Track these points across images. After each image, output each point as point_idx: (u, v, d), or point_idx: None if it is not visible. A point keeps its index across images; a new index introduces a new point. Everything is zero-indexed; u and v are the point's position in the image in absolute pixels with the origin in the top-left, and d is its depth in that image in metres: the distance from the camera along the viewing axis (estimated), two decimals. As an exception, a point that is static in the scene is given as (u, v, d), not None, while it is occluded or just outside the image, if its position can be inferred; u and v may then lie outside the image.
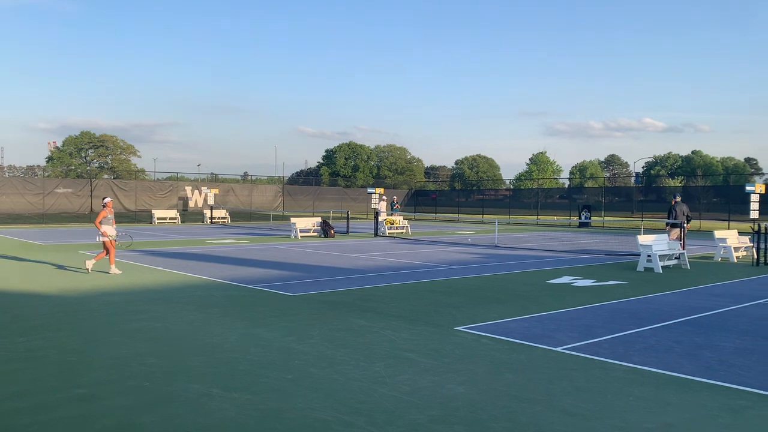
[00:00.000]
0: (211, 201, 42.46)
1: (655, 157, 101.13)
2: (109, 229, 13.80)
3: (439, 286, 12.11)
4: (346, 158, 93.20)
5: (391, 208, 35.34)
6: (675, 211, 18.45)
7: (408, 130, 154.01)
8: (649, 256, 15.33)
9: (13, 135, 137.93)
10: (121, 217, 38.98)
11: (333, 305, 9.91)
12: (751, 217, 29.17)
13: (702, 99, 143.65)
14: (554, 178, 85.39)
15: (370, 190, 37.18)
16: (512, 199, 57.15)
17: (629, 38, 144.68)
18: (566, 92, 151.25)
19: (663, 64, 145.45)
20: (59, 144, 78.09)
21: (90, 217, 37.56)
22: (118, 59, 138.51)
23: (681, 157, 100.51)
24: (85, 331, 7.96)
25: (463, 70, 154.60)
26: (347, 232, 28.66)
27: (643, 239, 15.77)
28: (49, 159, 76.65)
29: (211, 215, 38.34)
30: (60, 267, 14.69)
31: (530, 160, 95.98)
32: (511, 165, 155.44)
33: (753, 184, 29.86)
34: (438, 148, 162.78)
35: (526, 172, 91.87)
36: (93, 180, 42.36)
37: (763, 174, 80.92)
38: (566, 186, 75.20)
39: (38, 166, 78.11)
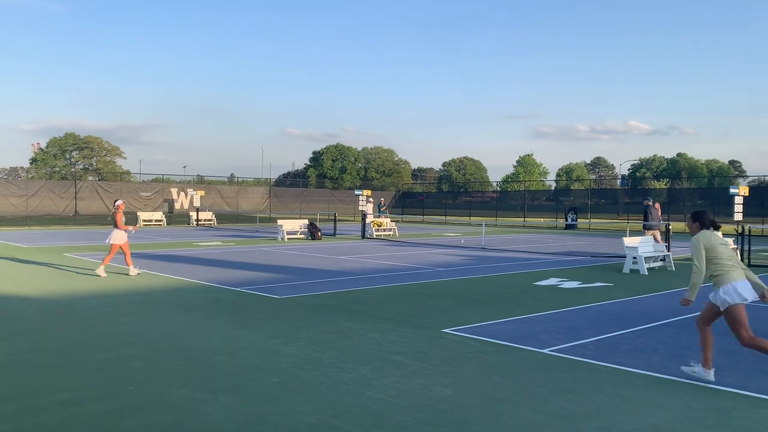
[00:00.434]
0: (197, 203, 42.23)
1: (640, 160, 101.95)
2: (121, 233, 13.59)
3: (426, 288, 12.10)
4: (333, 160, 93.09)
5: (378, 210, 35.33)
6: (651, 214, 18.88)
7: (395, 132, 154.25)
8: (634, 257, 15.42)
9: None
10: (106, 219, 38.69)
11: (320, 308, 9.88)
12: (735, 219, 29.41)
13: (686, 102, 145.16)
14: (541, 181, 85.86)
15: (357, 192, 37.10)
16: (499, 201, 57.36)
17: (614, 41, 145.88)
18: (552, 95, 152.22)
19: (648, 67, 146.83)
20: (43, 145, 77.31)
21: (75, 219, 37.23)
22: (103, 60, 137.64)
23: (666, 159, 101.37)
24: (69, 334, 7.87)
25: (450, 72, 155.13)
26: (334, 234, 28.61)
27: (629, 241, 15.87)
28: (33, 161, 75.86)
29: (197, 217, 38.13)
30: (44, 270, 14.53)
31: (517, 162, 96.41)
32: (498, 167, 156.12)
33: (737, 186, 30.12)
34: (425, 150, 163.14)
35: (513, 174, 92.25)
36: (77, 182, 41.97)
37: (747, 176, 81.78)
38: (553, 188, 75.59)
39: (22, 167, 77.46)
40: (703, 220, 6.19)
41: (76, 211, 38.58)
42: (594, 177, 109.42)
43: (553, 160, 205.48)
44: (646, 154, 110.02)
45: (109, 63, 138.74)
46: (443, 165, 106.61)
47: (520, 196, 55.65)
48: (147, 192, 43.82)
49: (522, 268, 15.81)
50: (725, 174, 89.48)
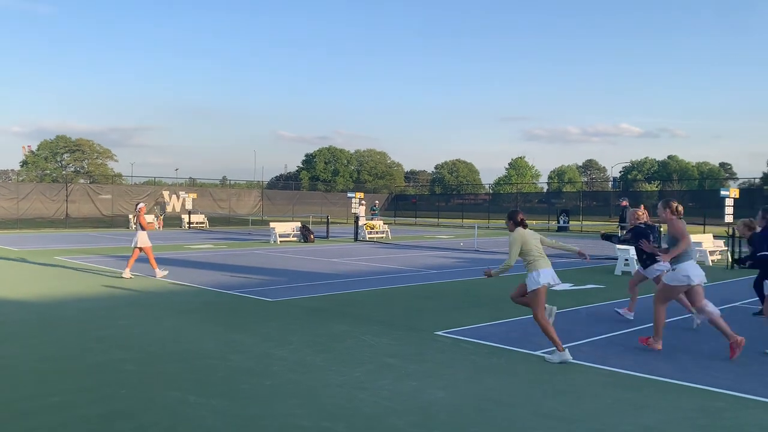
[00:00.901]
0: (189, 206, 42.09)
1: (632, 162, 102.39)
2: (145, 236, 13.69)
3: (419, 291, 12.12)
4: (326, 163, 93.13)
5: (372, 212, 35.36)
6: (626, 215, 19.06)
7: (388, 134, 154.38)
8: (626, 259, 15.49)
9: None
10: (97, 222, 38.51)
11: (313, 310, 9.87)
12: (725, 221, 29.62)
13: (677, 104, 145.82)
14: (533, 183, 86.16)
15: (350, 194, 37.17)
16: (492, 203, 57.47)
17: (604, 44, 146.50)
18: (544, 97, 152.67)
19: (639, 70, 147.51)
20: (34, 148, 76.91)
21: (66, 222, 37.04)
22: (94, 62, 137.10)
23: (657, 161, 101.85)
24: (61, 337, 7.84)
25: (442, 75, 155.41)
26: (327, 236, 28.58)
27: (621, 243, 15.91)
28: (24, 163, 75.45)
29: (189, 220, 38.00)
30: (35, 273, 14.45)
31: (509, 164, 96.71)
32: (490, 170, 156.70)
33: (727, 188, 30.35)
34: (418, 153, 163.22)
35: (506, 176, 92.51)
36: (69, 185, 41.77)
37: (738, 179, 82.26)
38: (545, 190, 75.83)
39: (12, 170, 76.98)
40: (515, 219, 7.14)
41: (67, 214, 38.38)
42: (585, 179, 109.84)
43: (545, 162, 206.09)
44: (638, 156, 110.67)
45: (100, 65, 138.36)
46: (436, 167, 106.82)
47: (513, 199, 55.83)
48: (139, 195, 43.62)
49: (514, 271, 15.81)
50: (716, 176, 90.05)
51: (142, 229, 13.73)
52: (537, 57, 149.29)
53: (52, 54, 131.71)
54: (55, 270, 14.94)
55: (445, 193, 75.75)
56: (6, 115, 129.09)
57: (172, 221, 41.15)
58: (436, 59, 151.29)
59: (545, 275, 6.93)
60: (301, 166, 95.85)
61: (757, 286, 8.59)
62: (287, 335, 8.04)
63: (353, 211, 32.00)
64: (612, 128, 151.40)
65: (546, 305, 7.12)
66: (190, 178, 55.01)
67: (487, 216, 49.11)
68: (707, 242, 18.97)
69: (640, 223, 9.57)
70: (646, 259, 9.12)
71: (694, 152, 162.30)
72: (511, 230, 7.19)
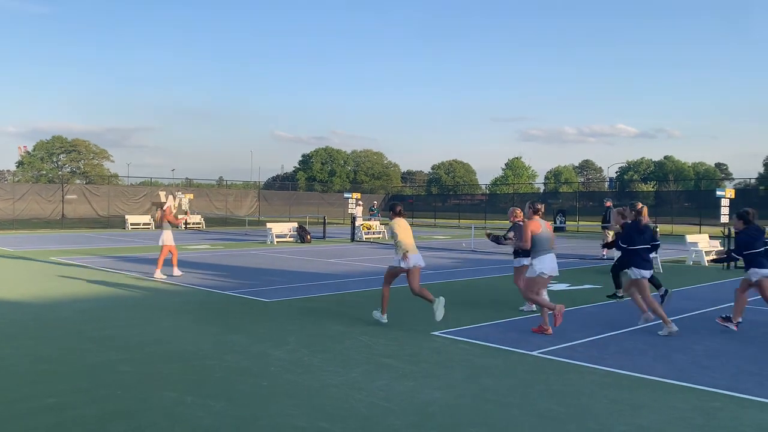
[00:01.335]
0: (185, 206, 42.04)
1: (628, 162, 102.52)
2: (170, 235, 13.88)
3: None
4: (322, 163, 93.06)
5: (371, 212, 35.34)
6: (610, 216, 19.10)
7: (384, 135, 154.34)
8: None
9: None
10: (93, 223, 38.43)
11: (309, 311, 9.87)
12: (721, 221, 29.65)
13: (673, 105, 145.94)
14: (529, 183, 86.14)
15: (346, 195, 37.09)
16: (488, 204, 57.57)
17: (600, 45, 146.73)
18: (540, 98, 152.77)
19: (635, 70, 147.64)
20: (30, 148, 76.71)
21: (62, 223, 36.96)
22: (90, 62, 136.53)
23: (653, 162, 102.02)
24: (57, 338, 7.82)
25: (440, 75, 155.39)
26: (324, 237, 28.58)
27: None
28: (20, 164, 75.23)
29: (186, 221, 37.97)
30: (31, 274, 14.42)
31: (506, 165, 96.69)
32: (487, 170, 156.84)
33: (723, 189, 30.36)
34: (415, 153, 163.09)
35: (502, 177, 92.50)
36: (65, 185, 41.67)
37: (733, 179, 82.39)
38: (541, 191, 75.86)
39: (8, 170, 76.70)
40: (395, 210, 9.09)
41: (63, 214, 38.29)
42: (582, 180, 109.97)
43: (541, 163, 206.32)
44: (634, 156, 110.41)
45: (96, 65, 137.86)
46: (432, 168, 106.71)
47: (509, 199, 55.85)
48: (135, 195, 43.54)
49: (511, 271, 15.82)
50: (712, 177, 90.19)
51: (173, 226, 14.02)
52: (533, 57, 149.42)
53: (47, 54, 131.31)
54: (51, 271, 14.91)
55: (441, 194, 75.81)
56: (1, 116, 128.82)
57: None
58: (434, 60, 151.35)
59: (414, 259, 8.62)
60: (298, 166, 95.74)
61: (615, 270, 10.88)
62: (284, 336, 8.04)
63: (350, 211, 31.94)
64: (608, 128, 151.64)
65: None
66: (187, 178, 54.88)
67: (484, 216, 49.16)
68: (703, 242, 19.00)
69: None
70: (516, 250, 10.35)
71: (691, 153, 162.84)
72: (392, 219, 9.06)
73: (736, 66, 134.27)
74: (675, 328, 8.20)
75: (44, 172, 71.30)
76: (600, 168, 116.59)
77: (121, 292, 11.66)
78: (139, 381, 5.99)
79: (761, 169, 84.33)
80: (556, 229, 38.62)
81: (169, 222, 13.93)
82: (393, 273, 8.82)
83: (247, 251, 21.40)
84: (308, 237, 26.15)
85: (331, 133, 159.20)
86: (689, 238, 19.01)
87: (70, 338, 7.84)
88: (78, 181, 63.05)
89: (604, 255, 19.23)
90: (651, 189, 67.18)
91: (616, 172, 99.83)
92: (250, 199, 50.39)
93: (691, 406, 5.39)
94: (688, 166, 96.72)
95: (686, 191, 60.54)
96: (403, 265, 8.57)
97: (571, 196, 58.73)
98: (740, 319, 8.72)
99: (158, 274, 13.63)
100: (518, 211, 10.28)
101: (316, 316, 9.40)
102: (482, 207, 55.38)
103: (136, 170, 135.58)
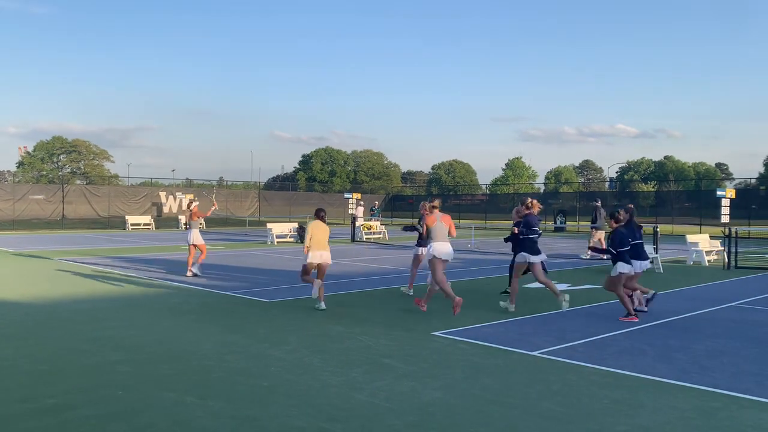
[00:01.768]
0: (185, 206, 42.05)
1: (628, 163, 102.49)
2: (198, 234, 14.11)
3: (415, 291, 12.11)
4: (322, 163, 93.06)
5: (372, 212, 35.36)
6: (600, 216, 19.15)
7: (385, 135, 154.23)
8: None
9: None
10: (94, 223, 38.44)
11: (310, 311, 9.87)
12: (722, 221, 29.64)
13: (674, 105, 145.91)
14: (530, 183, 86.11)
15: (347, 195, 37.11)
16: (488, 204, 57.54)
17: (600, 45, 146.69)
18: (540, 98, 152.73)
19: (635, 70, 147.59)
20: (30, 149, 76.73)
21: (62, 223, 36.96)
22: (90, 63, 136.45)
23: (654, 162, 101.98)
24: (56, 339, 7.82)
25: (439, 75, 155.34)
26: (324, 237, 28.55)
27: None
28: (20, 164, 75.26)
29: (186, 221, 37.95)
30: (31, 274, 14.42)
31: (506, 165, 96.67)
32: (487, 170, 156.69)
33: (724, 189, 30.35)
34: (415, 154, 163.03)
35: (502, 177, 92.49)
36: (65, 186, 41.68)
37: (734, 179, 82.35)
38: (542, 191, 75.84)
39: (8, 171, 76.75)
40: (318, 215, 10.23)
41: (63, 215, 38.30)
42: (582, 180, 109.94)
43: (541, 163, 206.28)
44: (634, 156, 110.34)
45: (96, 66, 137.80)
46: (433, 168, 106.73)
47: (510, 199, 55.78)
48: (135, 196, 43.54)
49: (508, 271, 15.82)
50: (712, 177, 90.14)
51: (197, 226, 14.27)
52: (533, 58, 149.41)
53: (48, 54, 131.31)
54: (51, 271, 14.91)
55: (442, 194, 75.72)
56: (1, 116, 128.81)
57: (168, 222, 41.12)
58: (433, 60, 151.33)
59: (313, 257, 10.07)
60: (298, 166, 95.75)
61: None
62: (284, 336, 8.04)
63: (350, 212, 31.95)
64: (608, 128, 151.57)
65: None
66: (187, 179, 54.94)
67: (484, 216, 49.15)
68: (704, 242, 18.99)
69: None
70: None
71: (691, 153, 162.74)
72: (310, 221, 10.30)
73: (736, 66, 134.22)
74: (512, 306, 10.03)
75: (44, 173, 71.33)
76: (600, 168, 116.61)
77: (121, 293, 11.66)
78: (139, 381, 5.99)
79: (761, 169, 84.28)
80: (556, 229, 38.60)
81: (199, 218, 14.32)
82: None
83: (247, 251, 21.40)
84: (308, 237, 26.12)
85: (331, 134, 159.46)
86: (690, 238, 19.00)
87: (70, 338, 7.84)
88: (78, 182, 63.08)
89: (588, 256, 19.05)
90: (651, 189, 67.12)
91: (617, 172, 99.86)
92: (251, 199, 50.39)
93: (691, 406, 5.39)
94: (689, 166, 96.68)
95: (686, 191, 60.50)
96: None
97: (572, 196, 58.70)
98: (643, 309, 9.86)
99: (193, 271, 13.93)
100: (431, 203, 10.93)
101: (316, 317, 9.40)
102: (483, 207, 55.33)
103: (136, 170, 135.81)
